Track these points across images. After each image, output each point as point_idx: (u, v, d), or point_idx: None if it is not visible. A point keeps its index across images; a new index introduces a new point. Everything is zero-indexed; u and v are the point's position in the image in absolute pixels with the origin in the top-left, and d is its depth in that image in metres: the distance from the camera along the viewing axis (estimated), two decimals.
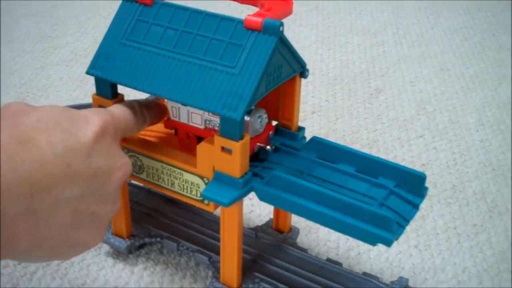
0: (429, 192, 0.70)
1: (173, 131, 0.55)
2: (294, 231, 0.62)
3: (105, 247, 0.62)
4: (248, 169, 0.49)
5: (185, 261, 0.61)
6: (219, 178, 0.49)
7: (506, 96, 0.94)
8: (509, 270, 0.61)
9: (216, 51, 0.47)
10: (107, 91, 0.52)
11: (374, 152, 0.79)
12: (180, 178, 0.52)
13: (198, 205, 0.52)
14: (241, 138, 0.46)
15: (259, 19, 0.46)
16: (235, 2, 0.54)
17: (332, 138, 0.81)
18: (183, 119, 0.52)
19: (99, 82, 0.52)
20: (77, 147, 0.40)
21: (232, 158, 0.47)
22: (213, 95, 0.46)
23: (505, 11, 1.27)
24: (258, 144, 0.52)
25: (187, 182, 0.52)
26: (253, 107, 0.49)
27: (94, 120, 0.43)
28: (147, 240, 0.61)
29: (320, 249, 0.63)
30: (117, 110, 0.47)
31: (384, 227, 0.45)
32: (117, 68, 0.50)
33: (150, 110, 0.51)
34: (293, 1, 0.51)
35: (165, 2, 0.50)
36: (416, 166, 0.76)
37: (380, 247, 0.63)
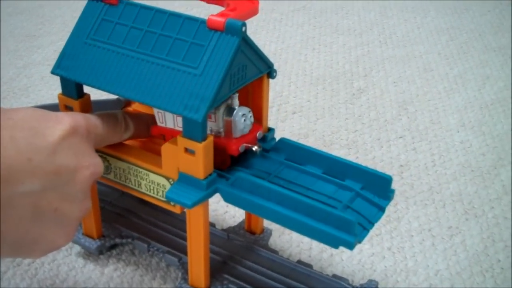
0: (405, 194, 0.70)
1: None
2: (266, 233, 0.62)
3: (76, 248, 0.62)
4: (212, 170, 0.48)
5: (156, 262, 0.61)
6: (184, 179, 0.48)
7: (489, 97, 0.94)
8: (482, 273, 0.60)
9: (179, 51, 0.47)
10: (72, 91, 0.51)
11: (352, 153, 0.78)
12: (146, 179, 0.51)
13: (164, 206, 0.51)
14: (204, 139, 0.46)
15: (221, 19, 0.46)
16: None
17: (312, 138, 0.81)
18: (169, 124, 0.51)
19: (64, 82, 0.51)
20: (41, 144, 0.40)
21: (195, 159, 0.47)
22: (175, 96, 0.46)
23: (492, 11, 1.27)
24: (244, 144, 0.50)
25: (153, 183, 0.51)
26: (236, 106, 0.49)
27: (65, 119, 0.43)
28: (117, 240, 0.60)
29: (293, 250, 0.62)
30: (94, 115, 0.48)
31: (346, 230, 0.44)
32: (81, 68, 0.50)
33: (136, 120, 0.51)
34: (259, 1, 0.50)
35: (130, 2, 0.50)
36: (394, 167, 0.75)
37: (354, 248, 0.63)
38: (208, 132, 0.48)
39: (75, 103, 0.52)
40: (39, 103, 0.89)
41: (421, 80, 0.98)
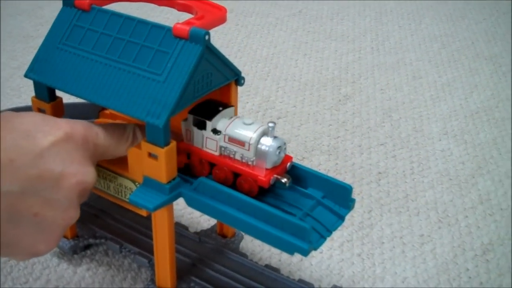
0: (381, 201, 0.70)
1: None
2: (237, 236, 0.63)
3: None
4: (176, 175, 0.49)
5: (128, 263, 0.62)
6: (148, 183, 0.49)
7: (474, 105, 0.94)
8: (449, 281, 0.61)
9: (145, 58, 0.48)
10: (44, 94, 0.53)
11: (332, 159, 0.79)
12: (115, 182, 0.53)
13: (132, 208, 0.53)
14: (166, 144, 0.47)
15: (186, 27, 0.47)
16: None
17: (294, 144, 0.82)
18: (197, 144, 0.50)
19: (37, 86, 0.53)
20: (28, 146, 0.40)
21: (158, 164, 0.48)
22: (139, 102, 0.47)
23: (488, 19, 1.27)
24: (275, 175, 0.48)
25: (121, 186, 0.52)
26: (274, 137, 0.47)
27: (61, 125, 0.43)
28: (91, 241, 0.62)
29: (263, 254, 0.63)
30: (99, 126, 0.47)
31: (300, 237, 0.45)
32: (52, 72, 0.51)
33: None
34: (226, 8, 0.51)
35: (101, 8, 0.51)
36: (372, 174, 0.76)
37: (324, 253, 0.64)
38: (238, 158, 0.48)
39: (47, 106, 0.53)
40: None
41: (409, 88, 0.98)
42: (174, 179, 0.49)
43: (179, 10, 0.54)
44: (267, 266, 0.59)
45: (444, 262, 0.63)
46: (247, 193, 0.48)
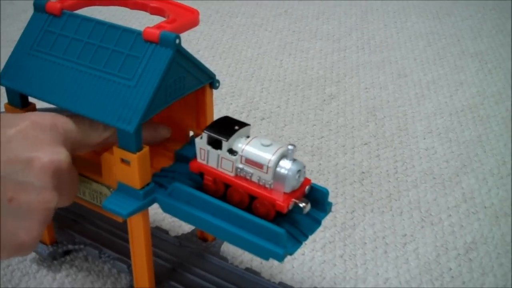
0: (363, 201, 0.70)
1: None
2: (218, 240, 0.62)
3: (32, 254, 0.63)
4: (150, 180, 0.49)
5: (108, 268, 0.61)
6: (122, 189, 0.49)
7: (460, 103, 0.94)
8: (431, 281, 0.61)
9: (115, 63, 0.47)
10: (17, 101, 0.52)
11: (316, 159, 0.79)
12: (90, 188, 0.52)
13: (107, 215, 0.52)
14: (139, 150, 0.47)
15: (156, 31, 0.46)
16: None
17: None
18: (212, 163, 0.48)
19: (9, 92, 0.52)
20: None
21: (131, 170, 0.47)
22: (109, 107, 0.46)
23: (474, 16, 1.27)
24: (294, 200, 0.46)
25: (96, 192, 0.52)
26: (293, 159, 0.45)
27: (28, 116, 0.45)
28: (70, 247, 0.61)
29: (245, 257, 0.63)
30: (70, 115, 0.48)
31: (275, 242, 0.45)
32: (23, 79, 0.51)
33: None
34: (198, 11, 0.51)
35: (72, 13, 0.51)
36: (356, 174, 0.76)
37: (306, 255, 0.64)
38: (255, 181, 0.46)
39: (20, 112, 0.52)
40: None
41: (394, 86, 0.98)
42: (148, 184, 0.49)
43: (151, 13, 0.53)
44: (247, 269, 0.59)
45: (427, 262, 0.63)
46: (263, 217, 0.46)
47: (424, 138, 0.84)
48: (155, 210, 0.66)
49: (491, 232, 0.67)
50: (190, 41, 1.11)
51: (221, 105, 0.91)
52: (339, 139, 0.83)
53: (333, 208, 0.69)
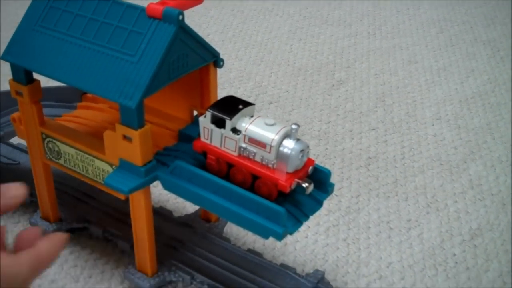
0: (369, 186, 0.70)
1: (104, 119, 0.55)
2: (221, 221, 0.62)
3: None
4: (151, 158, 0.49)
5: (111, 247, 0.61)
6: (124, 166, 0.49)
7: (470, 90, 0.93)
8: (435, 266, 0.60)
9: (119, 39, 0.47)
10: (21, 77, 0.52)
11: (322, 144, 0.78)
12: (92, 165, 0.52)
13: (110, 192, 0.52)
14: (141, 127, 0.46)
15: (159, 7, 0.46)
16: None
17: None
18: (215, 143, 0.48)
19: (14, 68, 0.52)
20: None
21: (133, 146, 0.47)
22: (112, 83, 0.46)
23: (488, 3, 1.25)
24: (297, 180, 0.46)
25: (99, 169, 0.52)
26: (297, 139, 0.45)
27: None
28: (75, 225, 0.62)
29: (248, 239, 0.63)
30: None
31: (275, 221, 0.44)
32: (28, 54, 0.51)
33: None
34: None
35: None
36: (362, 159, 0.75)
37: (309, 238, 0.63)
38: (258, 160, 0.46)
39: (24, 89, 0.52)
40: None
41: (404, 72, 0.97)
42: (150, 161, 0.49)
43: None
44: (249, 250, 0.59)
45: (431, 247, 0.63)
46: (266, 197, 0.45)
47: (433, 125, 0.83)
48: (160, 191, 0.67)
49: (497, 219, 0.67)
50: (201, 25, 1.11)
51: (229, 89, 0.91)
52: (347, 124, 0.83)
53: (338, 192, 0.69)
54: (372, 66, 0.99)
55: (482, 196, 0.70)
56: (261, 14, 1.17)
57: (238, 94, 0.89)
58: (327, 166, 0.72)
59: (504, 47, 1.06)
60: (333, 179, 0.70)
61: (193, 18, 1.12)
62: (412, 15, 1.19)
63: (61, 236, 0.37)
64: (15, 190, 0.37)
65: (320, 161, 0.74)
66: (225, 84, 0.90)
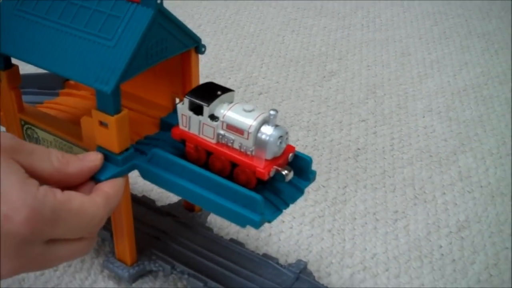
0: (357, 177, 0.69)
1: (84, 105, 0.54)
2: (204, 211, 0.61)
3: None
4: (129, 146, 0.48)
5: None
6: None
7: (463, 82, 0.92)
8: (420, 258, 0.59)
9: (96, 22, 0.46)
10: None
11: (311, 134, 0.77)
12: (70, 152, 0.51)
13: None
14: (117, 112, 0.46)
15: None
16: None
17: None
18: (193, 130, 0.47)
19: None
20: None
21: (109, 133, 0.46)
22: (88, 68, 0.45)
23: None
24: (275, 167, 0.45)
25: None
26: (275, 125, 0.44)
27: None
28: None
29: (231, 229, 0.62)
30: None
31: (252, 209, 0.43)
32: (6, 39, 0.50)
33: None
34: None
35: None
36: (351, 150, 0.75)
37: (293, 229, 0.63)
38: (237, 147, 0.45)
39: (2, 74, 0.52)
40: None
41: (396, 64, 0.96)
42: (127, 150, 0.48)
43: None
44: (232, 240, 0.58)
45: (417, 239, 0.62)
46: (244, 185, 0.44)
47: (424, 117, 0.82)
48: (144, 180, 0.66)
49: (485, 211, 0.66)
50: (193, 16, 1.10)
51: (219, 79, 0.89)
52: (337, 116, 0.82)
53: (325, 183, 0.68)
54: (365, 58, 0.98)
55: (471, 188, 0.69)
56: (255, 5, 1.16)
57: (228, 85, 0.88)
58: (315, 157, 0.72)
59: (498, 40, 1.05)
60: (321, 170, 0.70)
61: (185, 8, 1.11)
62: (406, 7, 1.18)
63: (122, 180, 0.46)
64: (94, 155, 0.45)
65: (308, 152, 0.73)
66: (215, 74, 0.89)
